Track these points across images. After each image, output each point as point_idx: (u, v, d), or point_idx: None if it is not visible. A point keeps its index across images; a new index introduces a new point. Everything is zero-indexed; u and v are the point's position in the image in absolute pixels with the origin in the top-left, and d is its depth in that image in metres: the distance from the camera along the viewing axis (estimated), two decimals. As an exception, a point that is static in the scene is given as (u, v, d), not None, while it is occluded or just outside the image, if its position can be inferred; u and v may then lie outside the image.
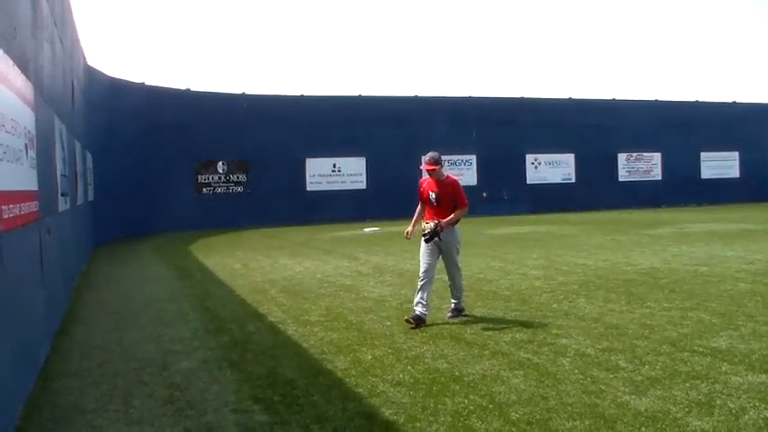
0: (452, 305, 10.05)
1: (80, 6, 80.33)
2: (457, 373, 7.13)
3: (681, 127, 44.95)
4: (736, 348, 7.75)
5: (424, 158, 9.90)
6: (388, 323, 9.86)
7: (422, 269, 9.79)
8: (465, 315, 10.00)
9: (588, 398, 6.21)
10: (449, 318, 9.90)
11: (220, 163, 35.87)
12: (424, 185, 10.16)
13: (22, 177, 7.10)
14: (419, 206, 10.28)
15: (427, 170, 9.95)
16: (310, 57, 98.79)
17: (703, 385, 6.45)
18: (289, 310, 11.08)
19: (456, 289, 10.00)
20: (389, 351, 8.21)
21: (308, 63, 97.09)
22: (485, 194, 38.64)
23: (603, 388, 6.47)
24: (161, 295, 13.21)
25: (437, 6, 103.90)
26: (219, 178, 35.94)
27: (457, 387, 6.68)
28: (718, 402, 5.98)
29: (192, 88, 35.75)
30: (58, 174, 11.36)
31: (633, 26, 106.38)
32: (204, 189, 35.60)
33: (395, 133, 38.94)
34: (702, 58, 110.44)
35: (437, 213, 9.91)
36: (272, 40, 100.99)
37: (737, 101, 48.29)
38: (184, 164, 34.66)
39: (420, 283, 9.71)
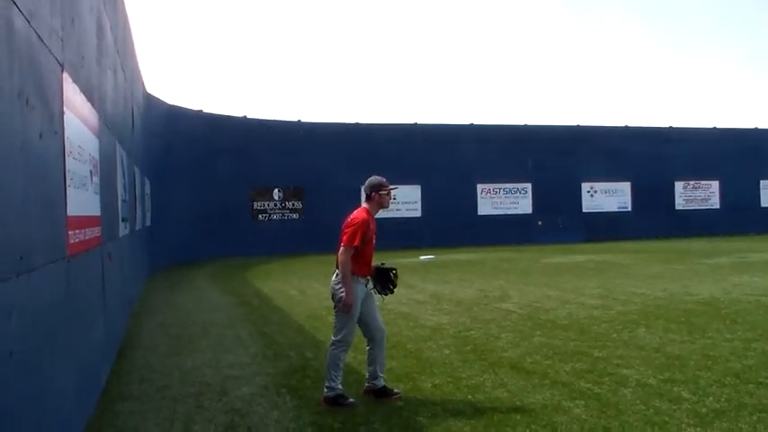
0: (374, 385, 7.62)
1: (140, 34, 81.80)
2: (518, 403, 7.12)
3: (739, 154, 44.34)
4: (802, 381, 7.62)
5: (383, 182, 7.85)
6: (447, 351, 9.86)
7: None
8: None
9: (651, 429, 6.16)
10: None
11: (276, 190, 36.18)
12: (371, 223, 7.68)
13: (88, 203, 7.25)
14: (347, 255, 7.33)
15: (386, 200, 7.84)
16: (366, 84, 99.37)
17: (770, 418, 6.36)
18: (346, 338, 11.10)
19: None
20: (449, 380, 8.21)
21: (364, 90, 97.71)
22: (540, 222, 38.52)
23: (667, 419, 6.40)
24: (219, 321, 13.35)
25: (492, 34, 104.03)
26: (275, 205, 36.24)
27: (518, 417, 6.66)
28: (786, 435, 5.89)
29: (249, 115, 36.14)
30: (119, 199, 11.56)
31: (691, 52, 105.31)
32: (260, 215, 35.94)
33: (450, 161, 38.98)
34: (761, 84, 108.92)
35: (371, 255, 7.77)
36: (329, 67, 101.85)
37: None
38: (240, 190, 35.00)
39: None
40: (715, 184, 44.89)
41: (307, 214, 36.69)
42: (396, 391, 7.55)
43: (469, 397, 7.43)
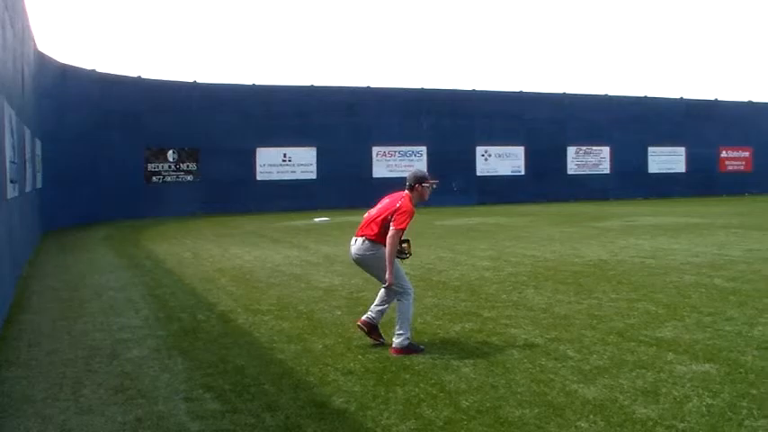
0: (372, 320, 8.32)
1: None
2: (407, 362, 7.20)
3: (630, 122, 45.44)
4: (680, 338, 7.92)
5: (427, 175, 8.32)
6: (339, 312, 9.92)
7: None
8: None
9: (537, 386, 6.30)
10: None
11: (171, 151, 35.53)
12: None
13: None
14: (397, 238, 7.82)
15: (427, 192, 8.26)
16: (263, 45, 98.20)
17: (649, 374, 6.58)
18: (239, 299, 11.07)
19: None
20: (340, 340, 8.26)
21: (260, 52, 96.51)
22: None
23: (552, 377, 6.57)
24: (110, 284, 13.07)
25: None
26: (170, 166, 35.57)
27: (407, 376, 6.74)
28: (664, 391, 6.11)
29: (144, 76, 35.30)
30: (8, 160, 11.18)
31: (583, 21, 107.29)
32: (154, 177, 35.21)
33: (346, 124, 38.89)
34: (652, 55, 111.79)
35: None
36: (225, 28, 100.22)
37: (684, 97, 48.94)
38: (135, 152, 34.20)
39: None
40: (606, 150, 45.89)
41: (202, 176, 36.14)
42: (383, 340, 8.06)
43: (360, 357, 7.48)
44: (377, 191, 40.10)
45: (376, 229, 7.88)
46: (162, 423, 5.66)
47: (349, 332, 8.64)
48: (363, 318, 8.11)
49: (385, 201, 8.19)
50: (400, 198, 8.00)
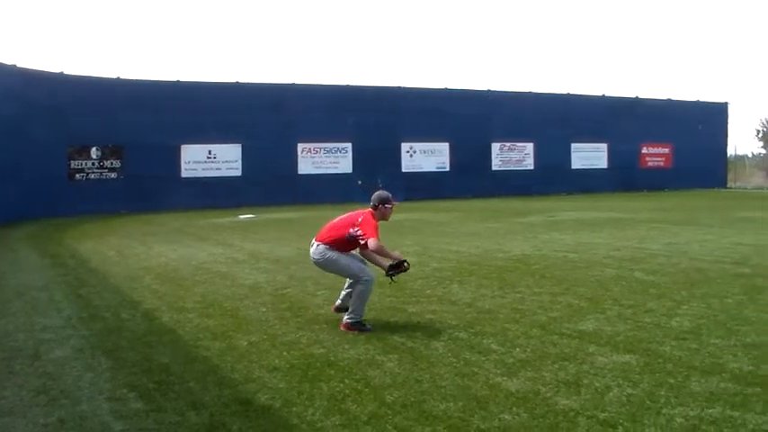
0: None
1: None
2: (332, 358, 7.19)
3: (553, 118, 46.03)
4: (602, 330, 8.07)
5: (390, 197, 9.01)
6: (264, 309, 9.85)
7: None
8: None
9: (461, 380, 6.35)
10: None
11: (94, 148, 34.88)
12: None
13: None
14: (377, 243, 8.51)
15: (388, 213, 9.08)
16: (187, 42, 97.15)
17: (571, 366, 6.69)
18: (163, 297, 10.92)
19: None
20: (265, 337, 8.21)
21: (184, 49, 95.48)
22: (360, 182, 38.80)
23: (476, 370, 6.62)
24: (33, 283, 12.75)
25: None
26: (93, 164, 34.93)
27: (332, 372, 6.73)
28: (585, 382, 6.21)
29: (66, 71, 34.62)
30: None
31: (506, 20, 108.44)
32: (77, 175, 34.53)
33: (271, 120, 38.62)
34: (575, 54, 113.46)
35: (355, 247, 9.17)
36: (150, 24, 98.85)
37: (607, 94, 49.79)
38: (57, 149, 33.48)
39: None
40: (530, 146, 46.40)
41: (126, 173, 35.57)
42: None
43: (285, 353, 7.44)
44: (302, 188, 39.80)
45: (332, 237, 8.74)
46: (85, 423, 5.56)
47: (273, 329, 8.61)
48: (337, 304, 9.20)
49: (349, 213, 9.00)
50: (362, 214, 8.77)
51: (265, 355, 7.38)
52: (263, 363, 7.10)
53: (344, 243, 8.70)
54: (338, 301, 9.18)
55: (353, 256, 8.89)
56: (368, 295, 8.70)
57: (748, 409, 5.52)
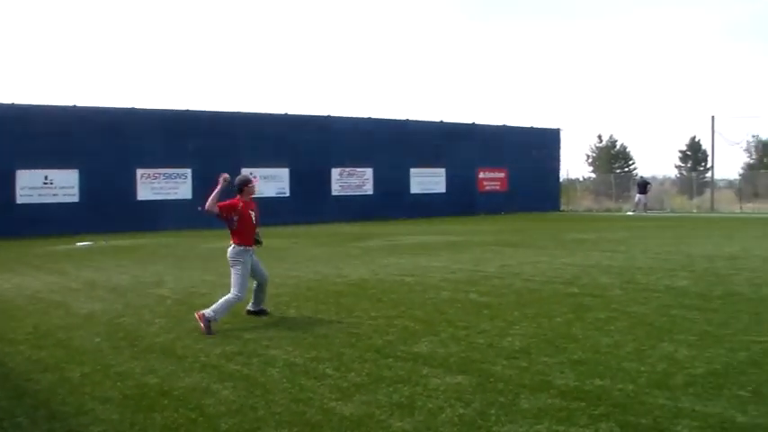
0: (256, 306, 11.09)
1: None
2: (166, 388, 7.06)
3: (392, 144, 46.65)
4: (436, 352, 8.23)
5: (252, 178, 11.11)
6: (98, 339, 9.57)
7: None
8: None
9: (296, 406, 6.34)
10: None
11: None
12: (241, 205, 10.52)
13: None
14: (213, 206, 10.33)
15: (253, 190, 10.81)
16: (25, 63, 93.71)
17: (405, 388, 6.79)
18: (-9, 329, 10.46)
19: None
20: (98, 368, 7.98)
21: (21, 70, 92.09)
22: (199, 208, 38.19)
23: (311, 395, 6.63)
24: None
25: (156, 18, 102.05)
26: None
27: (166, 401, 6.61)
28: (419, 404, 6.31)
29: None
30: None
31: (344, 47, 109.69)
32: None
33: (109, 145, 37.46)
34: (413, 80, 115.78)
35: (253, 232, 10.68)
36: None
37: (444, 120, 50.92)
38: None
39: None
40: (369, 172, 46.89)
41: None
42: (267, 309, 11.11)
43: (119, 384, 7.25)
44: (141, 214, 38.74)
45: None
46: None
47: (107, 359, 8.38)
48: (248, 309, 10.91)
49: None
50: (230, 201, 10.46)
51: (98, 387, 7.17)
52: (96, 394, 6.90)
53: (232, 229, 10.48)
54: (252, 305, 10.90)
55: (252, 271, 10.48)
56: (232, 307, 10.09)
57: (572, 423, 5.74)
